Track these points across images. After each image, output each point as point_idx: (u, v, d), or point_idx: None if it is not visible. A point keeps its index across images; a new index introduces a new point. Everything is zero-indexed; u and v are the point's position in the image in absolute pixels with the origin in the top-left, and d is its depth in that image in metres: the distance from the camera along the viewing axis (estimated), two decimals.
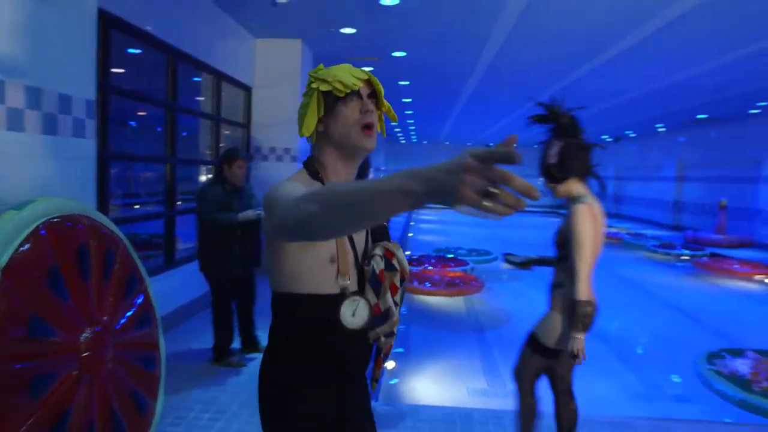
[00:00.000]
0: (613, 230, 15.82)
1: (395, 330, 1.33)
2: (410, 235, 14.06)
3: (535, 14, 5.66)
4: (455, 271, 7.76)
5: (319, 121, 1.31)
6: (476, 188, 0.68)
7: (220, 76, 6.29)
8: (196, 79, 6.38)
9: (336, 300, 1.22)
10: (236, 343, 4.30)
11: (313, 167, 1.33)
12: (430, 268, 7.99)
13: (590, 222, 2.26)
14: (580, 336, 2.28)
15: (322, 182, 1.29)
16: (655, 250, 11.76)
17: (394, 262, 1.31)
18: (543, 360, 2.53)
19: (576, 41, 6.69)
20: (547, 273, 2.63)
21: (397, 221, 15.69)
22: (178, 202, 5.39)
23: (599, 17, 5.74)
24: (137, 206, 8.93)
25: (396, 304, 1.31)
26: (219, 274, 3.96)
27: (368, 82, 1.32)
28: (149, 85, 5.30)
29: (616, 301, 7.52)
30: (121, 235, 2.57)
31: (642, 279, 9.09)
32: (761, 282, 9.14)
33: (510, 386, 4.05)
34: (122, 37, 4.27)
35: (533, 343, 2.55)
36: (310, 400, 1.27)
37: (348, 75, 1.28)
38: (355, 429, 1.36)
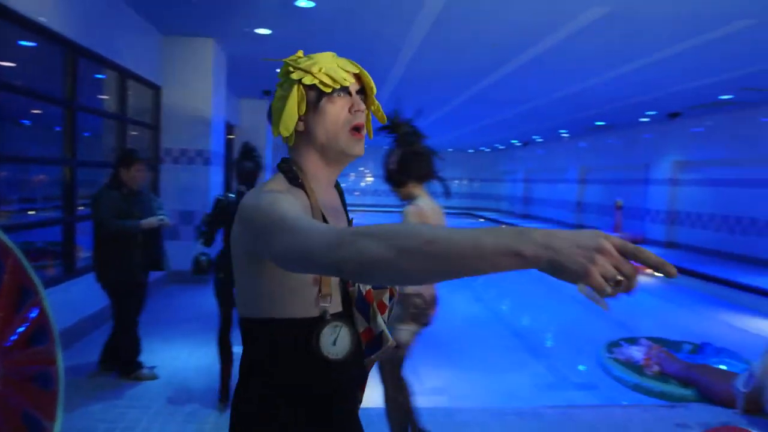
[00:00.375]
0: None
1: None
2: None
3: (446, 24, 5.85)
4: None
5: (299, 119, 1.11)
6: (606, 274, 0.67)
7: (125, 74, 5.95)
8: (99, 76, 6.00)
9: (316, 324, 1.04)
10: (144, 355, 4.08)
11: (291, 172, 1.13)
12: None
13: (417, 221, 2.47)
14: (410, 328, 2.43)
15: (304, 189, 1.11)
16: None
17: None
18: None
19: (485, 51, 6.99)
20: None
21: None
22: (80, 207, 5.03)
23: (506, 30, 6.03)
24: (33, 212, 8.24)
25: (385, 323, 1.16)
26: (118, 281, 3.74)
27: (358, 77, 1.14)
28: (46, 81, 4.92)
29: (528, 297, 7.91)
30: (11, 243, 2.35)
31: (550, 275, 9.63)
32: (651, 275, 9.99)
33: (428, 383, 4.16)
34: (12, 29, 3.93)
35: None
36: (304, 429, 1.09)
37: (336, 67, 1.10)
38: None
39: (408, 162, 2.59)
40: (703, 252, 11.91)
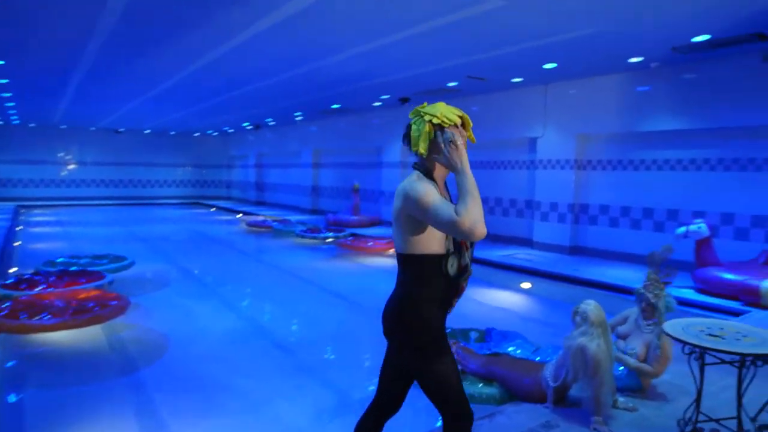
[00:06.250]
0: (260, 218, 15.80)
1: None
2: (17, 243, 10.77)
3: None
4: (88, 289, 5.94)
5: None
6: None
7: None
8: None
9: (445, 256, 2.04)
10: None
11: (427, 172, 2.09)
12: (51, 290, 5.92)
13: None
14: None
15: (434, 181, 2.08)
16: (303, 235, 12.11)
17: None
18: None
19: (206, 16, 5.79)
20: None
21: None
22: None
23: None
24: None
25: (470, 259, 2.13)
26: None
27: (461, 117, 2.10)
28: None
29: (286, 301, 7.06)
30: None
31: (293, 265, 9.15)
32: (392, 256, 10.28)
33: None
34: None
35: None
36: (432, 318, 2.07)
37: (449, 112, 2.06)
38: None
39: None
40: None
